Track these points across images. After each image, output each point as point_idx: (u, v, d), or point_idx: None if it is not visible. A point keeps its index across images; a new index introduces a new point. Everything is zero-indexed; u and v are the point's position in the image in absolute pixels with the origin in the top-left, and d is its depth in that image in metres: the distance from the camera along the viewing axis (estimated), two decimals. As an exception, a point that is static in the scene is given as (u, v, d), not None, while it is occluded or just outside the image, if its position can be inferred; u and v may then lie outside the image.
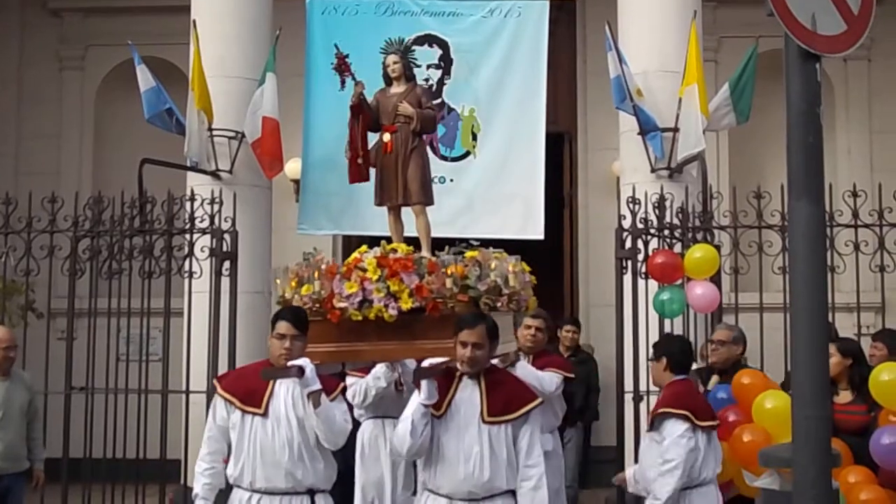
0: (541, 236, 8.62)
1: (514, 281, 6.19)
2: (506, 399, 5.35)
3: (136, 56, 9.63)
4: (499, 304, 6.08)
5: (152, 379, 8.49)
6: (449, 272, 5.97)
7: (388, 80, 6.75)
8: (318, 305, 6.00)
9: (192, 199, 8.53)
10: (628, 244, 7.91)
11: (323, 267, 6.13)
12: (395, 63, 6.69)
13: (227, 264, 8.37)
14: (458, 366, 5.37)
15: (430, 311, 5.91)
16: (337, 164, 9.08)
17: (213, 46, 9.64)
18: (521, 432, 5.32)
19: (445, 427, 5.31)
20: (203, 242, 8.38)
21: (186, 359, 8.47)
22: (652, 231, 7.99)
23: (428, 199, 6.65)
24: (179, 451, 8.58)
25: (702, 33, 9.48)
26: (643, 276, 7.86)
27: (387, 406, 7.00)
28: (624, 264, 7.97)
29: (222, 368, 8.21)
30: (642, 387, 7.81)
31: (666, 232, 8.09)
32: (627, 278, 7.94)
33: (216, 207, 8.33)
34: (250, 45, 9.97)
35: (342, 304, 5.96)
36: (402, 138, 6.56)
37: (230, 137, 9.72)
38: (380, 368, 6.91)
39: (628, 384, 7.92)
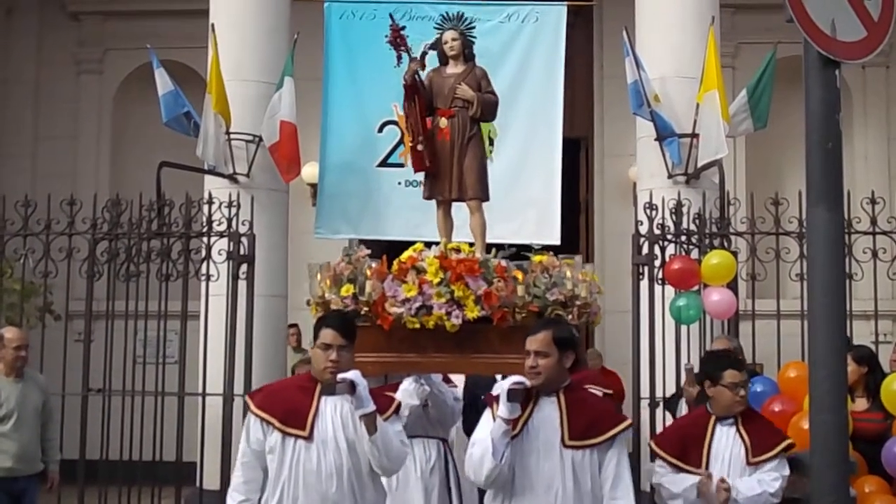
0: (557, 241, 8.63)
1: (584, 291, 5.52)
2: (590, 420, 4.67)
3: (154, 60, 9.68)
4: (569, 317, 5.44)
5: (169, 381, 8.50)
6: (520, 278, 5.34)
7: (444, 59, 6.07)
8: (366, 309, 5.37)
9: (210, 202, 8.54)
10: (645, 250, 7.89)
11: (373, 265, 5.52)
12: (453, 40, 6.00)
13: (244, 268, 8.38)
14: (527, 376, 4.69)
15: (497, 321, 5.28)
16: (354, 167, 9.14)
17: (231, 50, 9.66)
18: (608, 458, 4.63)
19: (521, 451, 4.61)
20: (220, 246, 8.40)
21: (203, 362, 8.49)
22: (669, 237, 7.96)
23: (485, 195, 6.01)
24: (195, 454, 8.60)
25: (719, 39, 9.47)
26: (660, 282, 7.84)
27: (413, 425, 6.08)
28: (640, 270, 7.95)
29: (239, 371, 8.24)
30: (658, 393, 7.79)
31: (683, 238, 8.06)
32: (644, 284, 7.92)
33: (234, 211, 8.35)
34: (268, 49, 10.00)
35: (397, 309, 5.33)
36: (459, 125, 5.90)
37: (248, 141, 9.75)
38: (410, 385, 6.03)
39: (644, 390, 7.89)
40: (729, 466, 5.25)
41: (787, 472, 5.19)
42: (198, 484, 8.89)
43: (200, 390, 8.57)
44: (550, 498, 4.54)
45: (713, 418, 5.37)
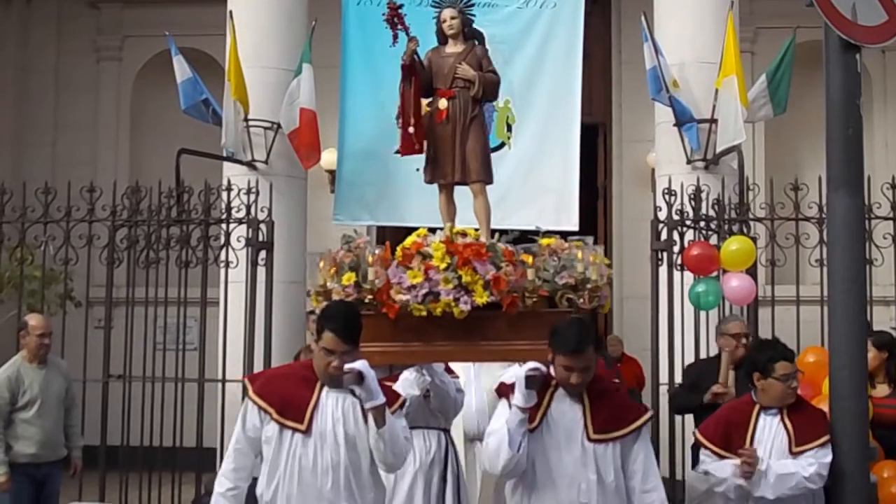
0: (575, 227, 8.61)
1: (595, 274, 5.27)
2: (612, 412, 4.57)
3: (172, 47, 9.71)
4: (580, 301, 5.20)
5: (189, 368, 8.54)
6: (530, 262, 5.13)
7: (443, 39, 5.83)
8: (370, 297, 5.13)
9: (229, 189, 8.57)
10: (664, 236, 7.88)
11: (377, 252, 5.31)
12: (452, 18, 5.75)
13: (263, 254, 8.40)
14: (559, 383, 4.58)
15: (507, 307, 5.06)
16: (373, 154, 9.13)
17: (249, 37, 9.68)
18: (634, 452, 4.55)
19: (541, 444, 4.50)
20: (239, 232, 8.42)
21: (223, 348, 8.52)
22: (688, 223, 7.95)
23: (488, 177, 5.72)
24: (215, 440, 8.63)
25: (738, 24, 9.43)
26: (679, 267, 7.83)
27: (414, 416, 5.75)
28: (659, 256, 7.94)
29: (258, 357, 8.26)
30: (678, 379, 7.79)
31: (702, 224, 8.05)
32: (663, 270, 7.91)
33: (252, 197, 8.36)
34: (286, 35, 10.01)
35: (402, 297, 5.09)
36: (460, 106, 5.65)
37: (266, 128, 9.77)
38: (411, 375, 5.79)
39: (663, 376, 7.89)
40: (771, 455, 5.16)
41: (827, 459, 5.05)
42: (217, 469, 8.93)
43: (220, 376, 8.59)
44: (573, 492, 4.44)
45: (757, 407, 5.32)
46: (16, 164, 13.07)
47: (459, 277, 5.09)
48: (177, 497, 8.58)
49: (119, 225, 8.58)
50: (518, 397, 4.45)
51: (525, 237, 5.65)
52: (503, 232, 5.60)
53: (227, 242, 8.45)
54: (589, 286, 5.22)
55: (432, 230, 5.50)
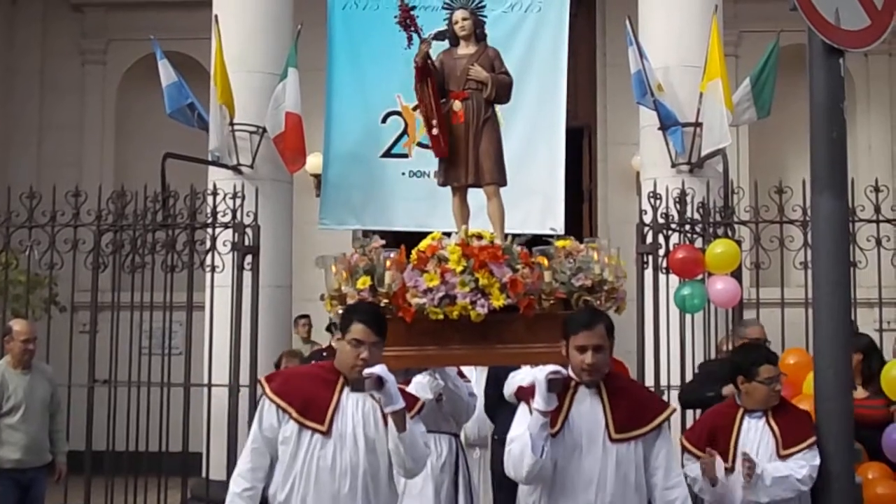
0: (561, 230, 8.62)
1: (610, 275, 5.25)
2: (633, 409, 4.49)
3: (158, 51, 9.70)
4: (597, 303, 5.16)
5: (174, 372, 8.52)
6: (546, 264, 5.12)
7: (455, 40, 5.73)
8: (385, 301, 5.07)
9: (215, 193, 8.56)
10: (649, 239, 7.91)
11: (392, 255, 5.24)
12: (464, 19, 5.65)
13: (248, 258, 8.39)
14: (577, 375, 4.51)
15: (524, 310, 5.02)
16: (358, 157, 9.14)
17: (234, 41, 9.68)
18: (655, 448, 4.49)
19: (562, 447, 4.42)
20: (225, 237, 8.40)
21: (208, 352, 8.50)
22: (673, 226, 7.97)
23: (502, 179, 5.63)
24: (201, 445, 8.63)
25: (722, 28, 9.46)
26: (664, 270, 7.85)
27: (425, 420, 5.46)
28: (645, 259, 7.96)
29: (244, 362, 8.25)
30: (663, 381, 7.81)
31: (687, 227, 8.08)
32: (648, 273, 7.93)
33: (238, 202, 8.35)
34: (272, 39, 10.01)
35: (419, 300, 5.05)
36: (473, 107, 5.56)
37: (251, 132, 9.76)
38: (424, 379, 5.81)
39: (649, 379, 7.91)
40: (758, 458, 5.11)
41: (816, 461, 5.05)
42: (203, 474, 8.93)
43: (206, 381, 8.57)
44: (591, 493, 4.39)
45: (741, 410, 5.31)
46: (1, 165, 13.04)
47: (476, 280, 5.05)
48: (163, 501, 8.56)
49: (104, 229, 8.56)
50: (539, 401, 4.37)
51: (537, 240, 5.64)
52: (515, 235, 5.56)
53: (213, 247, 8.44)
54: (606, 287, 5.20)
55: (447, 233, 5.45)
